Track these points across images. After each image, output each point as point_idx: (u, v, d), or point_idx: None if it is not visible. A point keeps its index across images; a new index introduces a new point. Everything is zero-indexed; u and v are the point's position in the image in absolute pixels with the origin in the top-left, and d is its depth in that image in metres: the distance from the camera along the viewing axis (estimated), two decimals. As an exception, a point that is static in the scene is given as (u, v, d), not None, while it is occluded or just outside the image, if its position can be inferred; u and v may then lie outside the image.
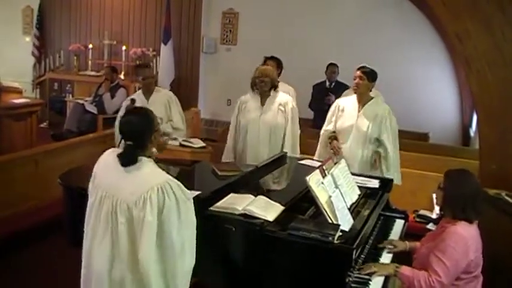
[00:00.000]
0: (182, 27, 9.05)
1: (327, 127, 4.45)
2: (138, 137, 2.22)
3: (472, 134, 7.49)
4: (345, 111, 4.32)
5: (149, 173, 2.19)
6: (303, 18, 8.51)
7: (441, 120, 8.00)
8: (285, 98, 4.42)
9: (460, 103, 8.06)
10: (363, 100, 4.23)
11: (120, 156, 2.21)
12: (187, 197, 2.22)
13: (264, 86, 4.29)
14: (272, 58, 5.38)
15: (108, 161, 2.29)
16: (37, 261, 4.09)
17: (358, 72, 4.18)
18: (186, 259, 2.17)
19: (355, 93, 4.27)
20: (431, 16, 7.52)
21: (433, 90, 8.07)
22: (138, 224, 2.11)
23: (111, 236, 2.18)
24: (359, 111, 4.22)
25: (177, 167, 3.64)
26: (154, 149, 2.39)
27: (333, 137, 4.37)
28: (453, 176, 2.73)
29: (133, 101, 4.65)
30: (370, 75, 4.16)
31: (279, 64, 5.35)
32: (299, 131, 4.48)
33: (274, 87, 4.37)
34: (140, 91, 4.93)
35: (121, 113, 4.62)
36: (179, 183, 2.21)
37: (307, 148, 4.83)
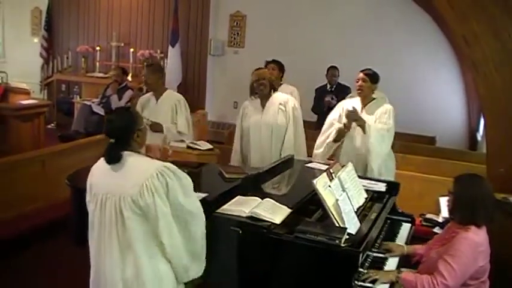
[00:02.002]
0: (190, 30, 9.07)
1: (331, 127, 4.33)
2: (119, 135, 2.28)
3: (479, 137, 7.45)
4: None
5: (142, 163, 2.26)
6: (310, 21, 8.50)
7: (448, 124, 7.96)
8: (284, 97, 4.42)
9: (467, 106, 8.03)
10: (365, 101, 4.28)
11: (103, 155, 2.28)
12: (183, 174, 2.30)
13: (263, 89, 4.30)
14: (273, 61, 5.39)
15: (99, 168, 2.34)
16: (43, 261, 4.10)
17: (361, 75, 4.24)
18: (199, 221, 2.27)
19: (359, 95, 4.31)
20: (437, 18, 7.49)
21: (439, 94, 8.03)
22: (149, 213, 2.16)
23: (117, 235, 2.21)
24: (361, 112, 4.24)
25: (184, 169, 3.63)
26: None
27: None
28: (463, 180, 2.73)
29: (140, 89, 4.64)
30: (372, 77, 4.22)
31: (280, 67, 5.36)
32: (303, 131, 4.42)
33: (274, 88, 4.39)
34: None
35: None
36: (172, 165, 2.28)
37: (310, 150, 4.79)
